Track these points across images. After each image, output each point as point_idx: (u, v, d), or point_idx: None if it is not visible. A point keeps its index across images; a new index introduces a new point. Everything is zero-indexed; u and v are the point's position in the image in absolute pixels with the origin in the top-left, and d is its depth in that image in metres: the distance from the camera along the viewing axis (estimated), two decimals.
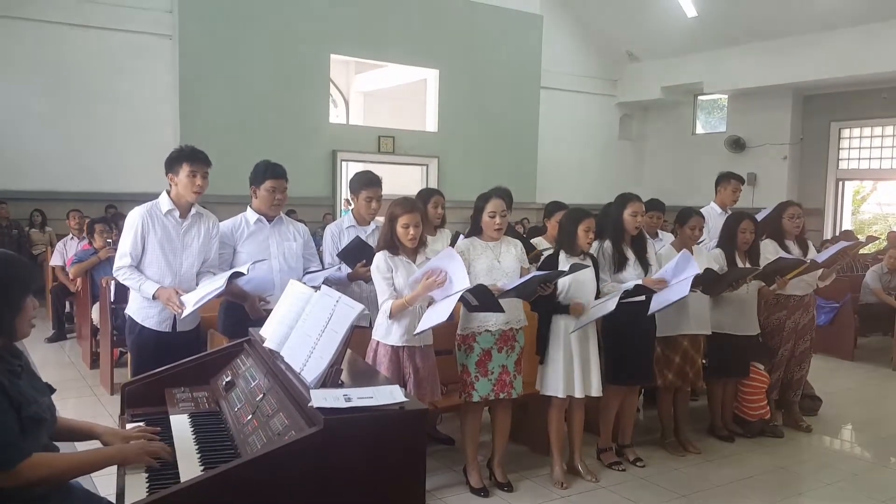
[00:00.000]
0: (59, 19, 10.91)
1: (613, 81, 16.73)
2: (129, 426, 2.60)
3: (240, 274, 3.66)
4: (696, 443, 4.94)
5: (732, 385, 5.21)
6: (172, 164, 3.77)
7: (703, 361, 4.92)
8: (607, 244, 4.42)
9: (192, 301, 3.64)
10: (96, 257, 6.94)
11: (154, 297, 3.71)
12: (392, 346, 3.71)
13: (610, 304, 4.03)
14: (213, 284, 3.63)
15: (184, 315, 3.69)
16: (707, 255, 4.89)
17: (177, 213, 3.82)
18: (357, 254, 4.20)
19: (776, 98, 14.45)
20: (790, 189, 14.38)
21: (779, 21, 12.95)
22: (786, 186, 14.39)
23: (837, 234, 12.85)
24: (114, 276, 3.88)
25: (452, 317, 4.26)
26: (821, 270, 5.23)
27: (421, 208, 3.90)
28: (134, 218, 3.77)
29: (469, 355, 3.98)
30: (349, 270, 4.26)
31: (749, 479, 4.49)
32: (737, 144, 15.15)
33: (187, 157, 3.75)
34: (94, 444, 2.44)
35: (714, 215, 5.70)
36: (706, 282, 4.54)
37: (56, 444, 2.31)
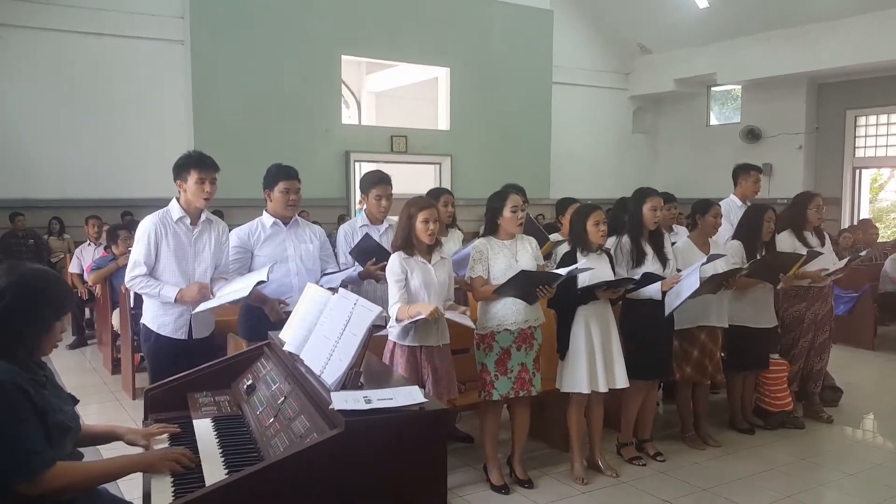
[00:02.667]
0: (72, 28, 10.98)
1: (626, 75, 16.64)
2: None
3: (262, 282, 3.67)
4: (716, 436, 4.92)
5: (752, 378, 5.18)
6: (180, 170, 3.75)
7: (723, 355, 4.90)
8: (625, 239, 4.41)
9: (214, 299, 3.68)
10: (115, 264, 6.98)
11: (176, 300, 3.71)
12: (409, 347, 3.72)
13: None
14: (238, 293, 3.64)
15: (198, 309, 3.68)
16: (725, 248, 4.86)
17: (188, 221, 3.81)
18: (368, 252, 4.22)
19: (790, 87, 14.29)
20: (806, 179, 14.23)
21: (791, 9, 12.83)
22: (802, 176, 14.24)
23: (855, 223, 12.72)
24: (127, 286, 3.87)
25: (469, 315, 4.30)
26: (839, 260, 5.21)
27: (436, 205, 3.91)
28: (147, 226, 3.75)
29: (488, 354, 3.98)
30: (361, 269, 4.28)
31: (770, 471, 4.47)
32: (752, 135, 15.02)
33: (195, 164, 3.71)
34: (118, 446, 2.48)
35: (734, 208, 5.66)
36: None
37: (81, 451, 2.34)
